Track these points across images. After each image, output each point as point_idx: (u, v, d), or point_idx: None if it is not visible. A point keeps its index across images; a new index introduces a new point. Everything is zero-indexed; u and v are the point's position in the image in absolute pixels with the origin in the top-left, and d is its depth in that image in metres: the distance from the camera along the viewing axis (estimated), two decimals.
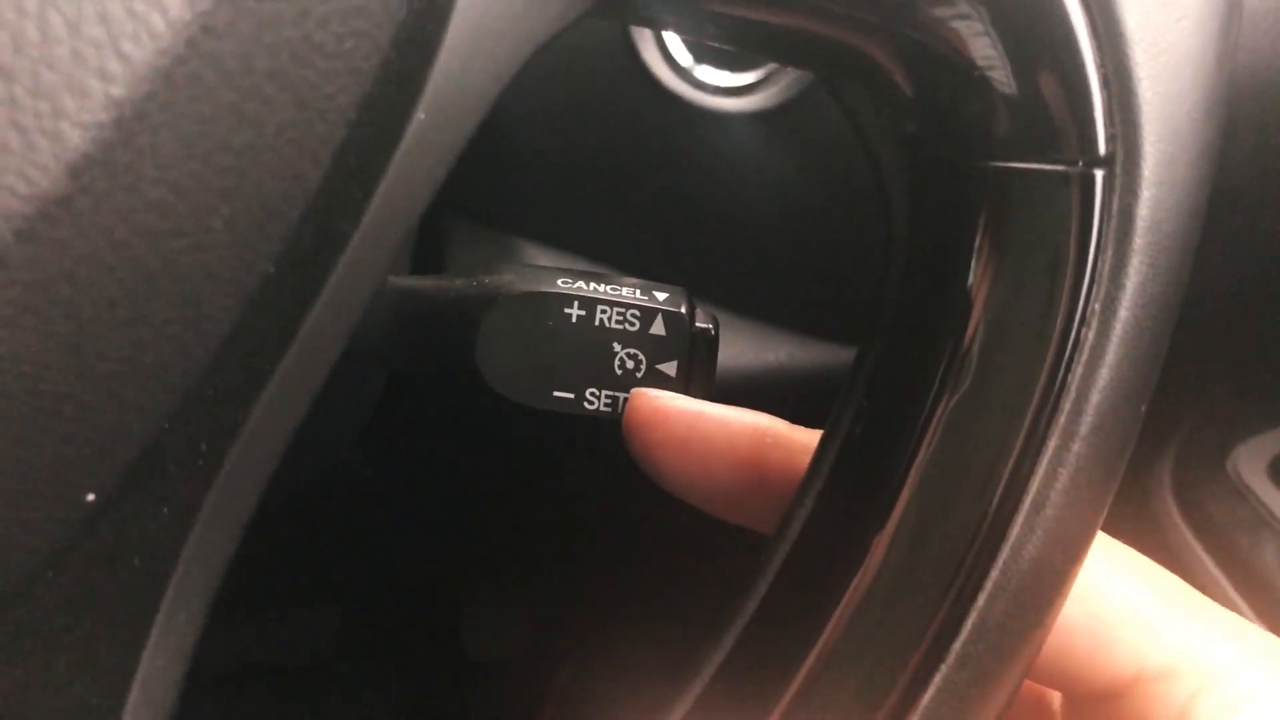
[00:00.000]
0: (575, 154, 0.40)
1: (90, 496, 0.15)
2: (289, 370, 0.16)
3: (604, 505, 0.55)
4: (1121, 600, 0.21)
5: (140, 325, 0.14)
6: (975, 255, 0.18)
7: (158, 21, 0.13)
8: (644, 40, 0.37)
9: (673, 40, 0.37)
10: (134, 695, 0.17)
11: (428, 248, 0.41)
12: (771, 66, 0.38)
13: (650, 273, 0.40)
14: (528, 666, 0.66)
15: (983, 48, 0.17)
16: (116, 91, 0.13)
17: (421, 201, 0.16)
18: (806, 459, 0.22)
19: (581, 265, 0.41)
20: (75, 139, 0.13)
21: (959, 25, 0.17)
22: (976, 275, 0.18)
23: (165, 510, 0.16)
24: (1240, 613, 0.37)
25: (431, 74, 0.16)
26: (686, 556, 0.57)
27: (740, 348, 0.43)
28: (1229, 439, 0.42)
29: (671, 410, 0.24)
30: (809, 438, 0.24)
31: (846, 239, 0.40)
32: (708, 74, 0.38)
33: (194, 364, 0.15)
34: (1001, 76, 0.17)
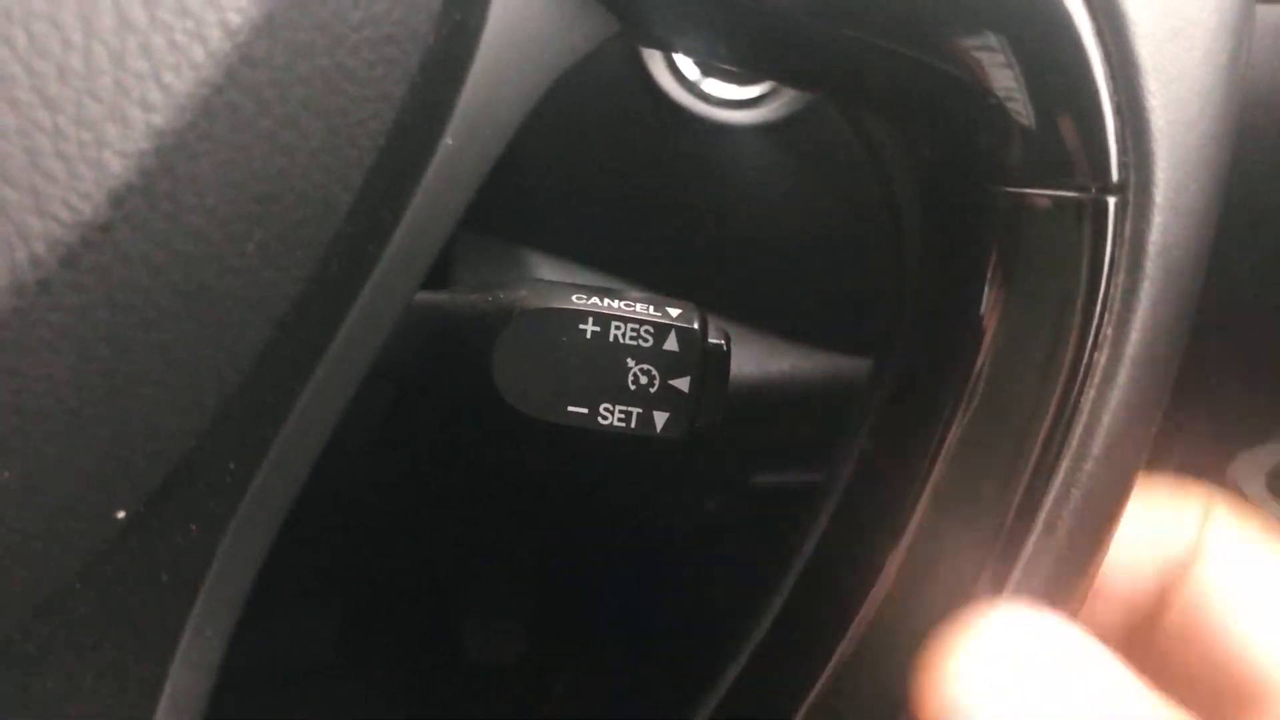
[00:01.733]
0: (582, 166, 0.40)
1: (121, 514, 0.16)
2: (316, 390, 0.17)
3: (605, 510, 0.55)
4: None
5: (174, 348, 0.15)
6: (989, 279, 0.18)
7: (198, 53, 0.13)
8: (652, 54, 0.38)
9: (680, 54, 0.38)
10: (161, 708, 0.17)
11: (438, 262, 0.41)
12: None
13: (656, 284, 0.40)
14: (528, 670, 0.66)
15: (1003, 78, 0.17)
16: (158, 121, 0.13)
17: (448, 225, 0.17)
18: None
19: (588, 276, 0.41)
20: (117, 167, 0.13)
21: (981, 55, 0.17)
22: (990, 299, 0.18)
23: (194, 527, 0.16)
24: None
25: (459, 100, 0.16)
26: (688, 563, 0.57)
27: (746, 359, 0.44)
28: (1228, 450, 0.43)
29: None
30: None
31: (852, 251, 0.41)
32: (715, 87, 0.38)
33: (225, 385, 0.15)
34: (1019, 106, 0.17)
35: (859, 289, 0.41)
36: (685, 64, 0.38)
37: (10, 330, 0.13)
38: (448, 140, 0.16)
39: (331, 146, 0.15)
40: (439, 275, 0.41)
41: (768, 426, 0.45)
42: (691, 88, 0.38)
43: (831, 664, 0.19)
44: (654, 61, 0.38)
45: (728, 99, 0.38)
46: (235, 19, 0.13)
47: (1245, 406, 0.44)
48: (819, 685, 0.19)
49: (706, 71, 0.38)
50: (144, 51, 0.13)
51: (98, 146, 0.13)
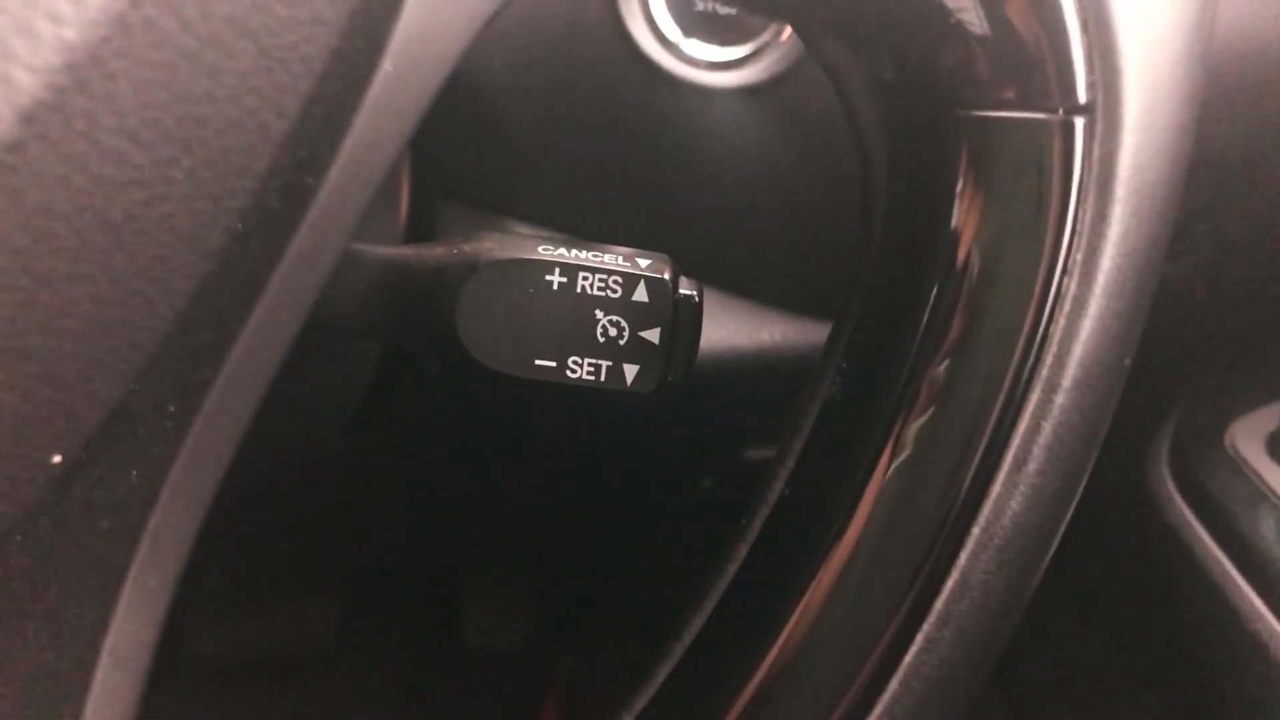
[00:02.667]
0: (565, 132, 0.39)
1: (57, 459, 0.15)
2: (256, 330, 0.16)
3: (607, 495, 0.55)
4: None
5: (103, 280, 0.14)
6: (955, 207, 0.18)
7: None
8: (632, 14, 0.37)
9: (660, 14, 0.37)
10: (104, 661, 0.16)
11: (421, 232, 0.41)
12: (760, 41, 0.38)
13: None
14: (530, 657, 0.66)
15: None
16: (68, 35, 0.13)
17: (388, 156, 0.16)
18: None
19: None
20: (26, 83, 0.13)
21: None
22: (957, 228, 0.18)
23: (134, 473, 0.16)
24: (1237, 589, 0.37)
25: (398, 23, 0.15)
26: (689, 546, 0.56)
27: (734, 328, 0.43)
28: (1227, 414, 0.42)
29: None
30: None
31: (838, 216, 0.40)
32: (696, 48, 0.37)
33: (160, 321, 0.15)
34: (973, 19, 0.17)
35: (845, 254, 0.40)
36: (667, 25, 0.37)
37: None
38: (387, 66, 0.15)
39: (262, 69, 0.14)
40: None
41: (759, 399, 0.45)
42: (673, 49, 0.37)
43: (796, 613, 0.18)
44: (634, 22, 0.37)
45: (710, 60, 0.38)
46: None
47: (1243, 370, 0.44)
48: (787, 630, 0.18)
49: (688, 33, 0.38)
50: None
51: (4, 60, 0.12)
